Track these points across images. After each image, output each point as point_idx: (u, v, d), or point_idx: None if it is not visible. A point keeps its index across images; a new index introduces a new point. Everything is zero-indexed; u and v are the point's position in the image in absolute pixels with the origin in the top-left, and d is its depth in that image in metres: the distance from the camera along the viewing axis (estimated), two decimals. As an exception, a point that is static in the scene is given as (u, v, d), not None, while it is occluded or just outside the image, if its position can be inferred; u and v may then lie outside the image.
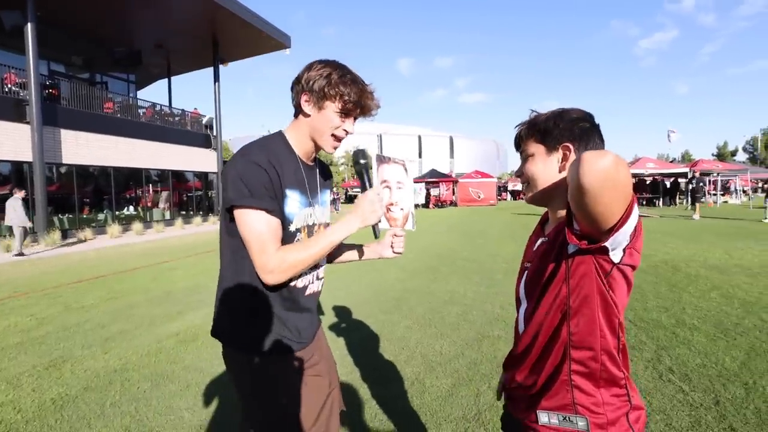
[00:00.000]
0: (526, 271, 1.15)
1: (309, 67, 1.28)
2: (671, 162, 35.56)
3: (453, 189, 33.99)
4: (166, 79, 24.48)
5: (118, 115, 18.41)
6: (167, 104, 22.59)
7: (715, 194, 27.36)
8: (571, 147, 1.04)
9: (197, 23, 18.74)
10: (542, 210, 1.19)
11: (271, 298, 1.29)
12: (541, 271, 1.05)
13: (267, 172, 1.21)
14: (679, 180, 26.67)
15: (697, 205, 16.96)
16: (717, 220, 15.35)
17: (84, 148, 16.16)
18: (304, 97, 1.27)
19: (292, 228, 1.30)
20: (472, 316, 4.71)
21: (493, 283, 6.32)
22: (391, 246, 1.56)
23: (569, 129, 1.05)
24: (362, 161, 1.36)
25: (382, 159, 1.42)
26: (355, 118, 1.33)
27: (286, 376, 1.33)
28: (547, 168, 1.08)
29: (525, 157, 1.13)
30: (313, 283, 1.40)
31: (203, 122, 23.24)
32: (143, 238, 15.28)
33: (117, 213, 17.97)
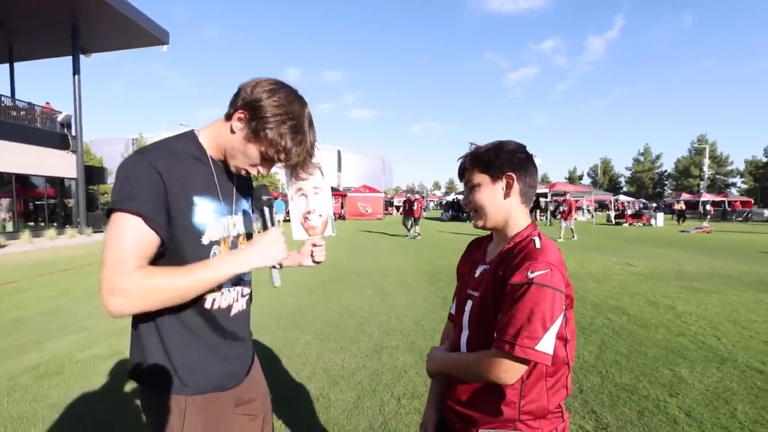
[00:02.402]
0: (471, 300, 1.21)
1: (271, 91, 1.09)
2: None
3: (342, 203, 34.25)
4: (8, 65, 20.53)
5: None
6: (8, 95, 18.88)
7: (567, 212, 31.84)
8: (514, 176, 1.16)
9: (50, 2, 15.79)
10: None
11: (198, 325, 1.13)
12: (487, 301, 1.13)
13: (161, 175, 1.02)
14: (541, 199, 30.44)
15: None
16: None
17: None
18: (240, 114, 1.10)
19: (206, 240, 1.12)
20: (369, 328, 4.80)
21: (386, 295, 6.52)
22: (312, 255, 1.47)
23: (509, 159, 1.17)
24: (265, 197, 1.23)
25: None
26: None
27: (218, 420, 1.17)
28: (494, 196, 1.18)
29: (471, 187, 1.21)
30: (237, 301, 1.23)
31: (59, 120, 19.79)
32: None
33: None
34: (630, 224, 26.82)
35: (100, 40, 19.64)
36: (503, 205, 1.18)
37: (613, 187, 64.29)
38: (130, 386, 3.38)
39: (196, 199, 1.10)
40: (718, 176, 52.38)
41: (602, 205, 45.58)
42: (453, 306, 1.36)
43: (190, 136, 1.17)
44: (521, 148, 1.21)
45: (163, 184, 1.02)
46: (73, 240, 17.07)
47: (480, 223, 1.22)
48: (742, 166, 52.35)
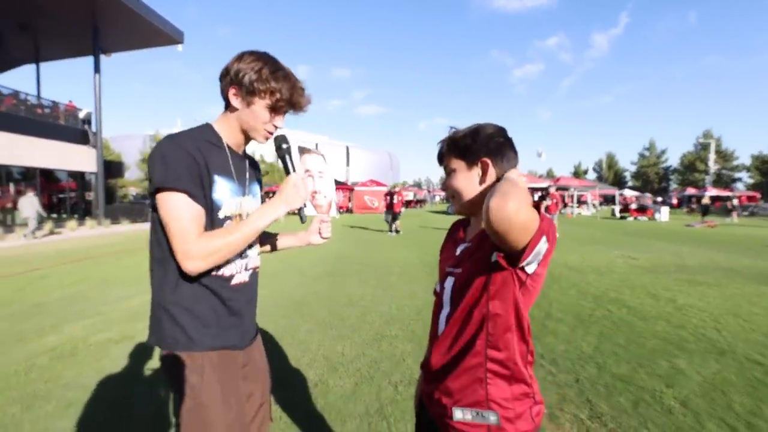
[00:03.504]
0: (451, 277, 1.20)
1: (239, 58, 1.24)
2: (539, 177, 40.69)
3: (349, 196, 34.43)
4: (34, 65, 21.16)
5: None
6: (35, 93, 19.47)
7: (572, 206, 31.78)
8: (489, 162, 1.13)
9: (72, 5, 16.35)
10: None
11: (199, 290, 1.23)
12: (467, 276, 1.13)
13: (192, 155, 1.17)
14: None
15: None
16: (574, 228, 17.83)
17: None
18: (232, 90, 1.24)
19: (221, 215, 1.25)
20: (371, 318, 4.85)
21: (389, 286, 6.57)
22: (319, 232, 1.61)
23: (485, 145, 1.13)
24: (284, 146, 1.35)
25: (303, 150, 1.45)
26: (285, 113, 1.31)
27: (234, 376, 1.27)
28: (470, 182, 1.16)
29: (448, 172, 1.21)
30: (240, 273, 1.33)
31: (80, 116, 20.36)
32: (4, 243, 13.13)
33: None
34: (635, 218, 26.66)
35: (119, 40, 20.19)
36: (479, 192, 1.16)
37: (618, 182, 63.93)
38: (139, 368, 3.49)
39: (216, 178, 1.24)
40: (723, 171, 51.90)
41: (607, 199, 45.40)
42: (437, 284, 1.37)
43: (206, 126, 1.31)
44: (499, 131, 1.16)
45: (195, 162, 1.18)
46: (93, 231, 17.58)
47: (458, 209, 1.22)
48: (748, 161, 51.84)
